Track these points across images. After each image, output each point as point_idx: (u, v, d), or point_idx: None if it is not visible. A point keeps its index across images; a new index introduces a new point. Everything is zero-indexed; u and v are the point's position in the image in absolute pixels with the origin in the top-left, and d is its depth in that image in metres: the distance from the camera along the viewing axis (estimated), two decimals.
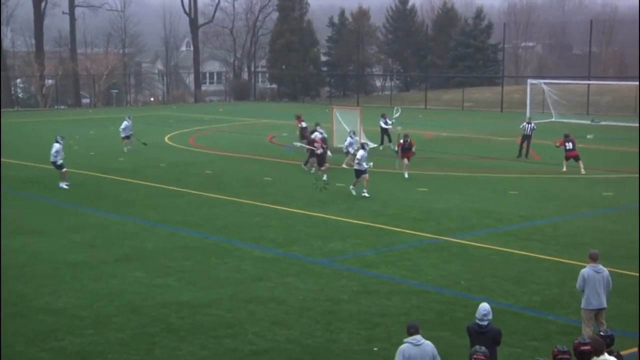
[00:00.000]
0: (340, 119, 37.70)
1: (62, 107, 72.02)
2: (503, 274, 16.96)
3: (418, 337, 9.95)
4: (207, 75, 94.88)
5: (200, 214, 23.21)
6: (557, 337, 12.97)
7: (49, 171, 28.86)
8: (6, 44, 77.79)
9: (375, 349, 12.84)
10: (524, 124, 35.29)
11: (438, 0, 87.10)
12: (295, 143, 34.45)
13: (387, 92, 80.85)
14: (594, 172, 30.23)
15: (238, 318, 14.29)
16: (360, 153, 25.77)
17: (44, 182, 28.19)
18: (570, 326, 13.57)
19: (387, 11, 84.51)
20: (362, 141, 29.34)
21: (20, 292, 15.79)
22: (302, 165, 31.19)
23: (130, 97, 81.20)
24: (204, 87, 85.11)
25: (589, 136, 41.86)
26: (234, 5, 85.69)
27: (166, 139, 42.82)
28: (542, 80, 56.09)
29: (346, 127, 36.22)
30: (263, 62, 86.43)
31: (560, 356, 8.64)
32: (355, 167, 25.68)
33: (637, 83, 50.54)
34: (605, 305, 12.62)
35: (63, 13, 75.82)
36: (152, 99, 78.98)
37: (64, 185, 27.27)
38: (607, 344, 9.25)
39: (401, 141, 29.74)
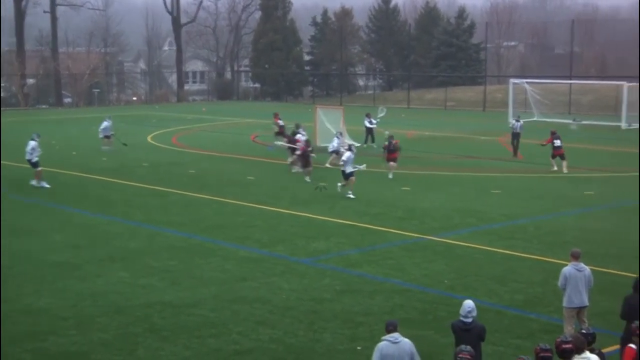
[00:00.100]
0: (323, 119, 37.75)
1: (44, 106, 71.59)
2: (486, 272, 17.04)
3: (396, 334, 9.97)
4: (190, 74, 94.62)
5: (185, 214, 23.16)
6: (540, 335, 13.06)
7: (30, 170, 28.68)
8: None
9: (358, 348, 12.87)
10: (513, 122, 35.37)
11: None
12: (276, 142, 34.49)
13: (370, 92, 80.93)
14: (576, 171, 30.41)
15: (222, 318, 14.28)
16: (347, 155, 25.75)
17: (25, 182, 28.01)
18: (552, 324, 13.66)
19: (370, 10, 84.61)
20: (350, 143, 29.33)
21: (2, 292, 15.70)
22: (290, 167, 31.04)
23: (112, 97, 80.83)
24: (186, 87, 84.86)
25: (572, 127, 42.31)
26: (216, 5, 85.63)
27: (149, 138, 42.67)
28: (524, 80, 56.33)
29: (329, 127, 36.29)
30: (246, 62, 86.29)
31: (542, 354, 8.70)
32: (342, 169, 25.66)
33: (618, 82, 50.89)
34: (586, 303, 12.72)
35: (44, 12, 75.34)
36: (134, 99, 78.67)
37: (44, 184, 27.12)
38: (588, 341, 9.33)
39: (386, 143, 29.58)
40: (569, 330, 12.36)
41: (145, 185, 27.88)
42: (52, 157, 32.77)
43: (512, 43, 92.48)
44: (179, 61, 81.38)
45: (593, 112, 52.31)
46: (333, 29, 79.44)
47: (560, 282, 12.81)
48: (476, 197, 25.49)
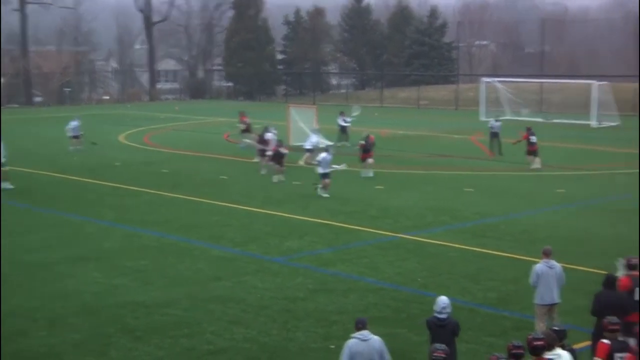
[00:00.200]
0: (296, 118, 37.75)
1: (15, 105, 70.80)
2: (459, 270, 17.14)
3: (365, 332, 9.99)
4: (163, 73, 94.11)
5: (158, 213, 23.05)
6: (513, 332, 13.15)
7: None
8: None
9: (332, 346, 12.88)
10: (492, 122, 35.53)
11: None
12: (245, 140, 34.44)
13: (343, 90, 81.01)
14: (548, 169, 30.66)
15: (195, 317, 14.24)
16: (322, 156, 25.69)
17: None
18: (525, 322, 13.76)
19: (343, 9, 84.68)
20: (327, 144, 29.24)
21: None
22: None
23: (84, 96, 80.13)
24: (159, 86, 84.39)
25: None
26: (188, 3, 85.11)
27: (121, 138, 42.39)
28: (496, 79, 56.69)
29: (303, 126, 36.28)
30: (219, 60, 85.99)
31: (514, 351, 8.78)
32: (317, 169, 25.57)
33: (588, 81, 51.35)
34: (558, 300, 12.83)
35: (13, 10, 74.48)
36: (106, 98, 78.08)
37: (7, 185, 26.57)
38: (560, 338, 9.42)
39: (363, 142, 29.36)
40: (540, 327, 12.47)
41: (118, 185, 27.70)
42: (24, 157, 32.45)
43: (484, 42, 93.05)
44: (151, 60, 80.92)
45: (564, 111, 52.75)
46: (306, 28, 79.43)
47: (531, 280, 12.91)
48: (449, 196, 25.62)
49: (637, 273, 12.09)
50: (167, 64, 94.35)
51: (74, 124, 37.16)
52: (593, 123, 47.58)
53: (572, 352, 9.49)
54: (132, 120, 52.66)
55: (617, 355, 9.49)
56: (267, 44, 78.63)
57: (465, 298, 15.27)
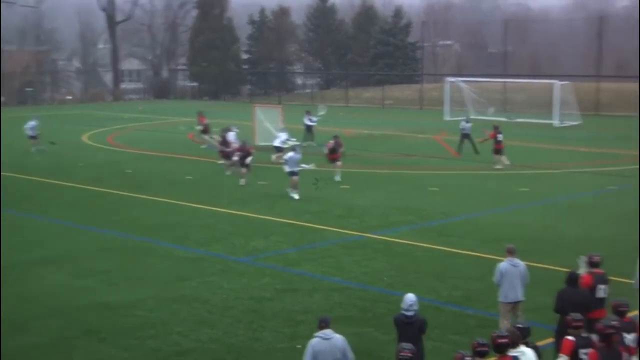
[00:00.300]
0: (262, 118, 37.70)
1: None
2: (425, 269, 17.24)
3: (328, 331, 10.02)
4: (126, 73, 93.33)
5: (122, 214, 22.88)
6: (477, 330, 13.25)
7: None
8: None
9: (298, 346, 12.87)
10: (462, 123, 35.65)
11: None
12: (207, 138, 34.36)
13: (308, 90, 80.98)
14: (511, 168, 30.93)
15: (161, 318, 14.16)
16: (289, 155, 25.63)
17: None
18: (489, 319, 13.89)
19: (308, 9, 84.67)
20: (294, 143, 29.14)
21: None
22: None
23: (46, 96, 79.17)
24: (123, 85, 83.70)
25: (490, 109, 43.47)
26: (152, 2, 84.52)
27: (84, 138, 42.00)
28: (460, 79, 57.08)
29: (268, 126, 36.24)
30: (183, 60, 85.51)
31: (479, 349, 8.84)
32: (284, 168, 25.46)
33: (550, 81, 51.93)
34: (521, 298, 12.96)
35: None
36: (69, 98, 77.24)
37: None
38: (523, 335, 9.52)
39: (331, 142, 28.86)
40: (504, 324, 12.58)
41: (82, 186, 27.44)
42: None
43: (448, 42, 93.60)
44: (115, 59, 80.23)
45: (527, 110, 53.26)
46: (271, 27, 79.30)
47: (495, 278, 13.03)
48: (415, 195, 25.75)
49: (599, 270, 12.27)
50: (130, 64, 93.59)
51: (32, 123, 36.86)
52: (555, 122, 48.11)
53: (535, 349, 9.59)
54: (96, 120, 52.19)
55: (582, 351, 9.61)
56: (232, 43, 78.36)
57: (430, 296, 15.37)
